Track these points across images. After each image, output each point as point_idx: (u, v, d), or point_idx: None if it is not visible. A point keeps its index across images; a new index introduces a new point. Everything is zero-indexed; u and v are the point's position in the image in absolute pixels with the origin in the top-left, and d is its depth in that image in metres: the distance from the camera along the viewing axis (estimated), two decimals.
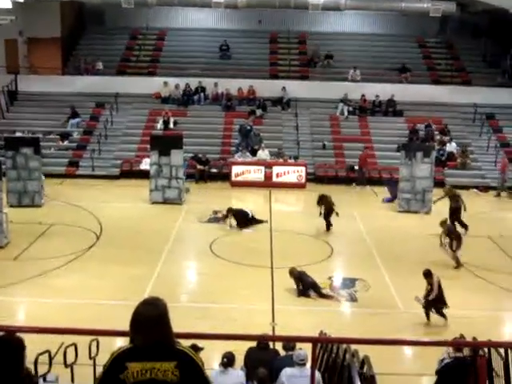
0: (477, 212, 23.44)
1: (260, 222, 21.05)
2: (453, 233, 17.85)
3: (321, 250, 18.85)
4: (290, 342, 9.08)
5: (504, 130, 30.87)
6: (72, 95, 31.30)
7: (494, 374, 9.44)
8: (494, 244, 19.80)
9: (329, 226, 20.43)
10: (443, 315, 13.98)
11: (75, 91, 31.47)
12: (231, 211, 20.73)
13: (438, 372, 9.61)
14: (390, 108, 31.50)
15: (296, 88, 31.93)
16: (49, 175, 25.12)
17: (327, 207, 20.36)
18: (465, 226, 20.53)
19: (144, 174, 25.32)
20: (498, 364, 9.35)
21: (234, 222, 20.65)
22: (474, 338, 10.10)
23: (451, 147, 28.97)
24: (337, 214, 20.25)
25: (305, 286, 15.49)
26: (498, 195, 26.75)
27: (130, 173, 27.49)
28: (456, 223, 20.07)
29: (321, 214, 20.43)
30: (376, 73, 33.12)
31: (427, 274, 14.08)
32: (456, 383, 9.21)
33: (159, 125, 29.66)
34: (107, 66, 33.36)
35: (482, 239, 20.20)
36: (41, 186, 23.08)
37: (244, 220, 20.66)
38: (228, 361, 8.48)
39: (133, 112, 31.32)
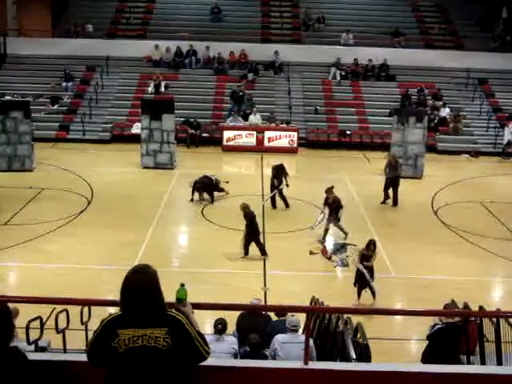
0: (468, 177, 23.52)
1: (222, 190, 20.32)
2: (337, 205, 17.02)
3: (313, 215, 18.82)
4: None
5: (496, 95, 30.79)
6: (62, 58, 30.93)
7: (484, 340, 9.51)
8: (485, 209, 19.83)
9: (286, 202, 19.46)
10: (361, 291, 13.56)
11: (65, 54, 31.07)
12: (197, 183, 20.00)
13: (429, 337, 9.65)
14: (382, 72, 31.28)
15: (288, 52, 31.60)
16: (39, 139, 24.91)
17: (280, 180, 19.30)
18: (395, 201, 20.01)
19: (135, 139, 25.15)
20: (488, 329, 9.40)
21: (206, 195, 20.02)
22: (466, 304, 10.15)
23: (444, 112, 28.86)
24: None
25: (251, 229, 15.50)
26: None
27: (121, 137, 27.29)
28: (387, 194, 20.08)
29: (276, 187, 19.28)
30: (369, 37, 32.81)
31: (375, 245, 13.66)
32: (447, 348, 9.26)
33: (150, 88, 29.40)
34: (97, 28, 32.86)
35: (474, 205, 20.25)
36: (31, 149, 22.90)
37: (209, 187, 20.04)
38: (222, 327, 8.48)
39: (123, 75, 30.98)
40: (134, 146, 24.52)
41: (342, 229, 17.11)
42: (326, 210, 17.04)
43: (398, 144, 23.55)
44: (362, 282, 13.50)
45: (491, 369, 6.25)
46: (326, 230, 17.03)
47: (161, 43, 31.47)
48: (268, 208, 19.18)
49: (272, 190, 19.37)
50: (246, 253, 15.62)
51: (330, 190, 17.28)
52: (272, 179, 19.38)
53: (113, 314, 4.23)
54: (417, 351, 10.70)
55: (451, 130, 28.22)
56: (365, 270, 13.36)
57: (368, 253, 13.53)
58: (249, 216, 15.59)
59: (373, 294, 13.41)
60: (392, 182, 20.06)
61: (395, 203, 20.00)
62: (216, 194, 20.06)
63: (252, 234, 15.58)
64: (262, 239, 15.96)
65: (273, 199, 19.40)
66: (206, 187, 19.98)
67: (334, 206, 16.92)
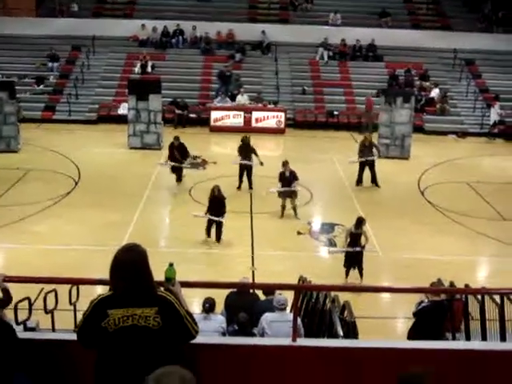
0: (455, 158, 23.62)
1: (186, 157, 19.55)
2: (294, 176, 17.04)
3: (300, 196, 18.85)
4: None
5: (483, 76, 30.82)
6: (47, 38, 30.62)
7: (470, 318, 9.64)
8: (471, 189, 19.96)
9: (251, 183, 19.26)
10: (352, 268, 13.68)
11: (50, 34, 30.73)
12: (177, 140, 19.49)
13: (415, 314, 9.76)
14: (370, 53, 31.22)
15: (276, 32, 31.44)
16: (25, 120, 24.75)
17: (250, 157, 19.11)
18: (376, 182, 19.92)
19: (122, 119, 25.04)
20: (474, 307, 9.53)
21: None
22: (452, 282, 10.27)
23: (434, 92, 28.89)
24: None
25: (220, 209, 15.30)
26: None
27: (108, 118, 27.13)
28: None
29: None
30: (356, 17, 32.68)
31: (363, 222, 13.67)
32: (433, 325, 9.37)
33: (137, 69, 29.22)
34: (82, 7, 32.53)
35: (460, 185, 20.35)
36: (17, 130, 22.75)
37: (183, 150, 19.53)
38: (210, 306, 8.51)
39: (110, 55, 30.76)
40: (120, 127, 24.42)
41: (283, 207, 17.13)
42: (279, 184, 17.04)
43: (385, 124, 23.60)
44: (351, 262, 13.58)
45: (475, 344, 6.34)
46: (283, 207, 17.08)
47: (147, 23, 31.25)
48: (256, 187, 19.16)
49: (244, 170, 19.19)
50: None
51: (286, 163, 17.26)
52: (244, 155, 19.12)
53: (102, 295, 4.23)
54: (403, 329, 10.81)
55: (438, 111, 28.29)
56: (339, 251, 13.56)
57: (357, 231, 13.57)
58: (220, 198, 15.37)
59: (361, 274, 13.49)
60: (366, 165, 19.95)
61: (377, 184, 19.99)
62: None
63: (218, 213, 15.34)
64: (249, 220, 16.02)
65: (241, 178, 19.23)
66: (181, 147, 19.48)
67: (290, 179, 16.96)
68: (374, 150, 20.20)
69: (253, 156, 19.27)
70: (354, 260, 13.56)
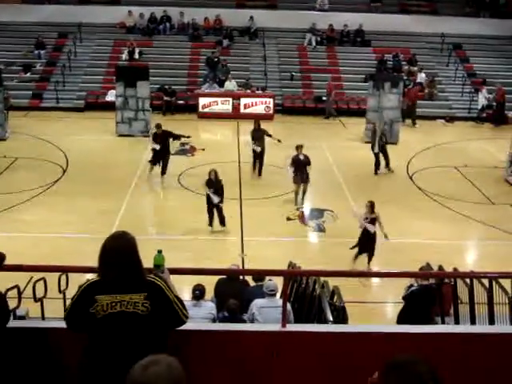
0: (443, 142, 23.69)
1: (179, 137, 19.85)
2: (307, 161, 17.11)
3: (289, 181, 18.86)
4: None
5: (471, 60, 30.86)
6: (33, 25, 30.38)
7: (459, 301, 9.69)
8: (459, 174, 20.03)
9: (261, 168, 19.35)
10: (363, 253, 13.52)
11: (36, 21, 30.50)
12: (159, 128, 19.14)
13: (404, 298, 9.81)
14: (357, 38, 31.17)
15: (263, 17, 31.33)
16: (12, 108, 24.57)
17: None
18: (388, 166, 20.10)
19: (110, 106, 24.91)
20: (463, 291, 9.58)
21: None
22: (440, 266, 10.31)
23: (420, 77, 28.90)
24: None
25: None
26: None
27: (96, 105, 27.00)
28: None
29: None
30: (344, 2, 32.57)
31: (373, 206, 13.38)
32: (422, 309, 9.42)
33: (124, 55, 29.07)
34: None
35: (448, 169, 20.43)
36: (4, 118, 22.59)
37: (173, 136, 19.45)
38: (200, 293, 8.52)
39: (97, 42, 30.58)
40: (108, 114, 24.30)
41: (297, 193, 17.14)
42: (291, 169, 16.99)
43: (373, 109, 23.59)
44: (364, 247, 13.39)
45: (464, 328, 6.38)
46: (297, 194, 17.08)
47: (134, 9, 31.05)
48: (246, 174, 19.15)
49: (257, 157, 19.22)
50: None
51: (300, 147, 17.24)
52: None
53: (90, 280, 4.24)
54: (392, 313, 10.86)
55: (426, 96, 28.32)
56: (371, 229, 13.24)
57: (371, 216, 13.32)
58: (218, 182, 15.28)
59: (369, 259, 13.39)
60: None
61: (389, 167, 20.17)
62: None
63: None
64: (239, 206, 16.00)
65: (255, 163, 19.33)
66: (165, 134, 19.10)
67: (303, 163, 16.95)
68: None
69: (265, 138, 19.27)
70: (366, 246, 13.45)
